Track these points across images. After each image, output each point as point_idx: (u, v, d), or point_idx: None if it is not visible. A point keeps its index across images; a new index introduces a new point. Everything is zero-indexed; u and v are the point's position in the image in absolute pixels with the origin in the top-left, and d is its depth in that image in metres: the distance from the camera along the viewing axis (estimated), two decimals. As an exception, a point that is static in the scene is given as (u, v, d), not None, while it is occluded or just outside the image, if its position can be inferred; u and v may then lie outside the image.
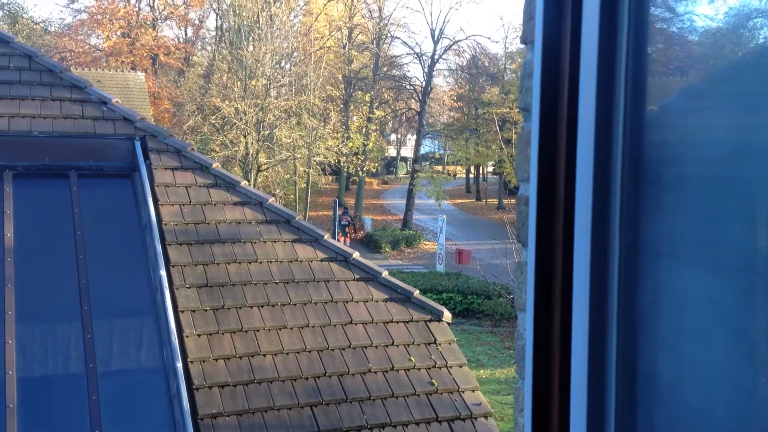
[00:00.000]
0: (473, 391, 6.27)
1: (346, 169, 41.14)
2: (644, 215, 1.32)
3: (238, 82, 31.51)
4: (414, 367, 6.26)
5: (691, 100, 1.32)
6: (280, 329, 6.18)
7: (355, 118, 42.67)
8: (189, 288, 6.20)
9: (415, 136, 46.56)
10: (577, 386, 1.37)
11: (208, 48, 47.06)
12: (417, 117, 43.90)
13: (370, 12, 44.95)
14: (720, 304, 1.20)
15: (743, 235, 1.18)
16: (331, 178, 47.33)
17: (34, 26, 45.43)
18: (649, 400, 1.33)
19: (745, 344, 1.17)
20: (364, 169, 41.98)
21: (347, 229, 32.34)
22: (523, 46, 1.84)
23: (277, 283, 6.50)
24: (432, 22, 78.63)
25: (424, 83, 43.19)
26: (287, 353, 6.04)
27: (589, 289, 1.34)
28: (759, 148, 1.17)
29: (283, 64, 35.55)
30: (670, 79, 1.37)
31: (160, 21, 45.93)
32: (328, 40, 40.80)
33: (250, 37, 33.13)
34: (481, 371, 17.09)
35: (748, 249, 1.17)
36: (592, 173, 1.33)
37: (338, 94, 41.62)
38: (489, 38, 78.02)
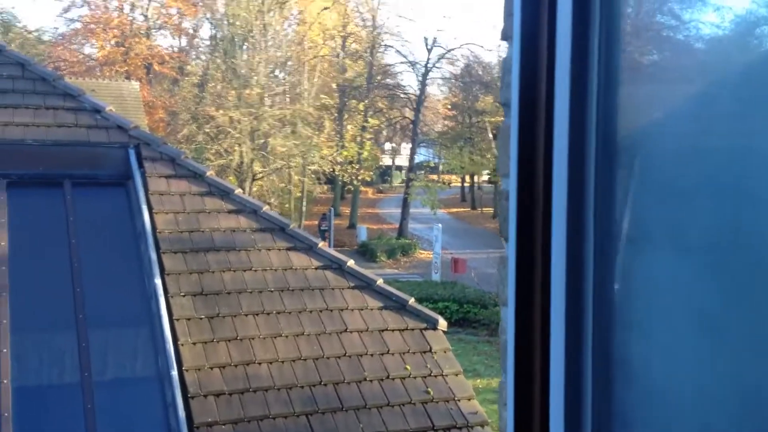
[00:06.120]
0: (469, 399, 6.26)
1: (341, 178, 41.12)
2: (617, 205, 1.35)
3: (233, 91, 31.52)
4: (409, 376, 6.26)
5: (661, 91, 1.35)
6: (275, 337, 6.17)
7: (349, 126, 42.65)
8: (184, 296, 6.19)
9: (409, 145, 46.62)
10: (555, 378, 1.39)
11: (203, 57, 46.98)
12: (411, 126, 43.91)
13: (363, 21, 45.02)
14: (691, 289, 1.23)
15: (712, 219, 1.20)
16: (326, 187, 47.31)
17: (28, 35, 45.33)
18: (624, 389, 1.36)
19: (720, 330, 1.19)
20: (359, 178, 41.94)
21: (326, 234, 32.55)
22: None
23: (272, 291, 6.49)
24: (425, 31, 78.80)
25: (418, 92, 43.24)
26: (282, 361, 6.03)
27: (565, 281, 1.36)
28: (724, 132, 1.20)
29: (277, 73, 35.59)
30: (641, 72, 1.40)
31: (154, 30, 45.95)
32: (321, 48, 40.87)
33: (244, 47, 33.18)
34: (478, 380, 17.04)
35: (719, 231, 1.19)
36: (566, 166, 1.36)
37: (332, 103, 41.63)
38: (482, 47, 78.23)
